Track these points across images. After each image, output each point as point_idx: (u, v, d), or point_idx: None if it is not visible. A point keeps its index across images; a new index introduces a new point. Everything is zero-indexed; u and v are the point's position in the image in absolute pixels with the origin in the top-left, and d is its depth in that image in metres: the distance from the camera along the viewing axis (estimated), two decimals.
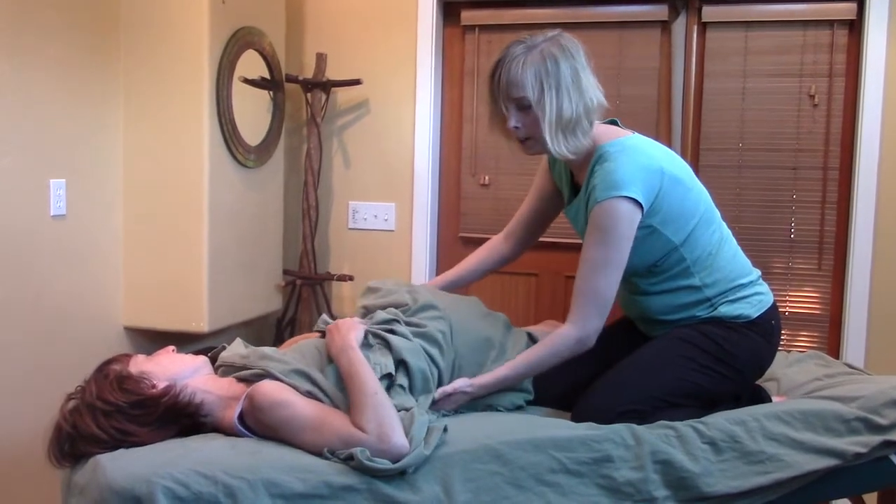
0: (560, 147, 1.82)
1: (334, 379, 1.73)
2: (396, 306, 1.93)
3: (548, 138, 1.81)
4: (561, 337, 1.82)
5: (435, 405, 1.80)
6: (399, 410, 1.64)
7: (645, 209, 1.79)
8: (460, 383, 1.82)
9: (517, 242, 2.21)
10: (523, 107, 1.82)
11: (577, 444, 1.67)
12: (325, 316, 1.94)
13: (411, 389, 1.75)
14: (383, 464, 1.54)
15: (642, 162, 1.80)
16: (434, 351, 1.82)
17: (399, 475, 1.57)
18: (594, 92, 1.83)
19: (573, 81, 1.79)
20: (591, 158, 1.86)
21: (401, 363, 1.76)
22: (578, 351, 1.83)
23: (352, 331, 1.78)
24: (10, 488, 2.38)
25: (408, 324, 1.86)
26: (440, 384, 1.83)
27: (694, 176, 1.92)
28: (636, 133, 1.91)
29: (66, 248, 2.53)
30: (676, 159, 1.90)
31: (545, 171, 2.12)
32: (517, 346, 1.99)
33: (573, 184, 2.01)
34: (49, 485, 2.05)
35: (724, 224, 1.96)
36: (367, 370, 1.68)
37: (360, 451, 1.55)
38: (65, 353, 2.53)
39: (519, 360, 1.86)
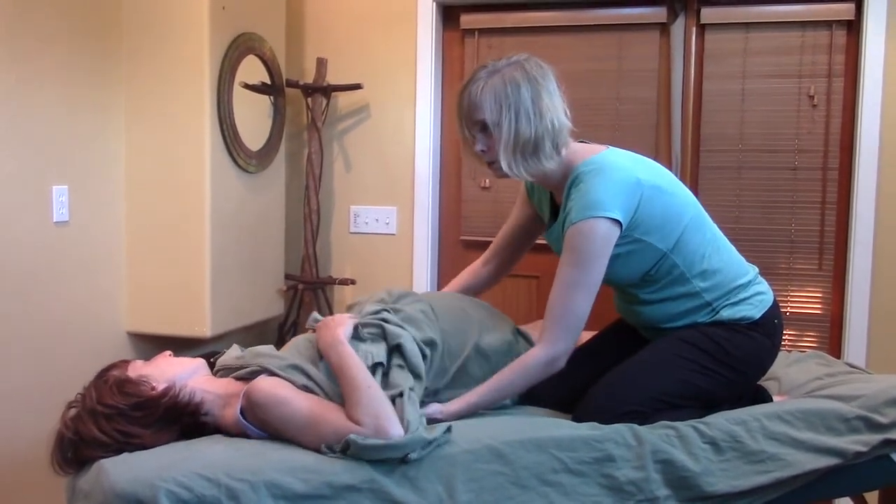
0: (518, 169, 1.83)
1: (327, 372, 1.74)
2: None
3: (503, 160, 1.82)
4: (531, 359, 1.81)
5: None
6: (397, 390, 1.65)
7: (624, 225, 1.78)
8: (432, 409, 1.81)
9: (497, 268, 2.21)
10: (486, 129, 1.83)
11: (579, 444, 1.68)
12: (315, 314, 1.95)
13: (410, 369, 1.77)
14: (379, 441, 1.55)
15: (617, 177, 1.78)
16: (417, 333, 1.83)
17: (400, 473, 1.58)
18: (557, 115, 1.82)
19: (533, 104, 1.79)
20: (568, 180, 1.86)
21: (396, 347, 1.78)
22: (549, 372, 1.82)
23: (340, 326, 1.79)
24: (15, 494, 2.38)
25: (392, 310, 1.89)
26: (432, 359, 1.84)
27: (677, 182, 1.91)
28: (611, 147, 1.90)
29: (69, 254, 2.54)
30: (655, 167, 1.89)
31: (524, 200, 2.13)
32: (503, 327, 2.00)
33: (553, 206, 2.01)
34: (54, 490, 2.06)
35: (715, 226, 1.94)
36: (358, 364, 1.68)
37: (354, 435, 1.56)
38: (68, 359, 2.54)
39: (486, 387, 1.83)
